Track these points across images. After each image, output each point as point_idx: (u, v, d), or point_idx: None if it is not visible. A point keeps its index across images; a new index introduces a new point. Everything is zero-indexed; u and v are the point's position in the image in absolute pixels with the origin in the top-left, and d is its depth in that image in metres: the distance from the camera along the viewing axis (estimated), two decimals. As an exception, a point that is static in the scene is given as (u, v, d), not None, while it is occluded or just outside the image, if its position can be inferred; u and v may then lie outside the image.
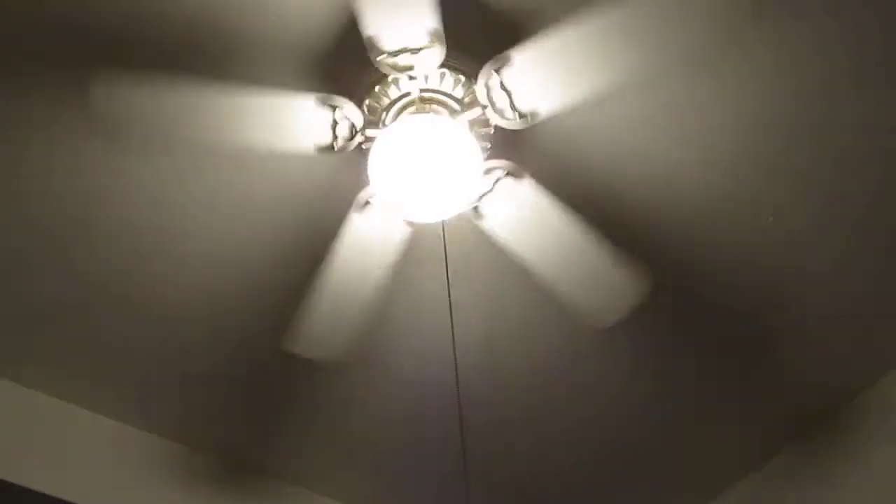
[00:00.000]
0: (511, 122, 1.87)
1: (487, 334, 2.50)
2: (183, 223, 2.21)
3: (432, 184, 1.77)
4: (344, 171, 2.11)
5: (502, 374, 2.63)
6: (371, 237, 1.99)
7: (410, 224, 1.99)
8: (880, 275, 2.41)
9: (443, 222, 2.03)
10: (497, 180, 1.95)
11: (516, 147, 2.07)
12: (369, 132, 1.90)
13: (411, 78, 1.83)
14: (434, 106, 1.89)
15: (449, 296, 2.15)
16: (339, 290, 2.06)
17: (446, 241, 2.07)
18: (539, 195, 1.95)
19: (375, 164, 1.80)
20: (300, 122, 1.82)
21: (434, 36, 1.71)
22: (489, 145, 1.99)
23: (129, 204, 2.16)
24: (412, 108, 1.89)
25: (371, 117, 1.91)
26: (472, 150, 1.80)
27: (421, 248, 2.24)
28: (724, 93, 2.02)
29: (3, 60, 1.89)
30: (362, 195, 1.96)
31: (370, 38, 1.71)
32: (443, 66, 1.82)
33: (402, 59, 1.75)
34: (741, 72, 1.99)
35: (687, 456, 2.94)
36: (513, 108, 1.83)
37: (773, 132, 2.10)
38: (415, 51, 1.74)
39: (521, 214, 1.98)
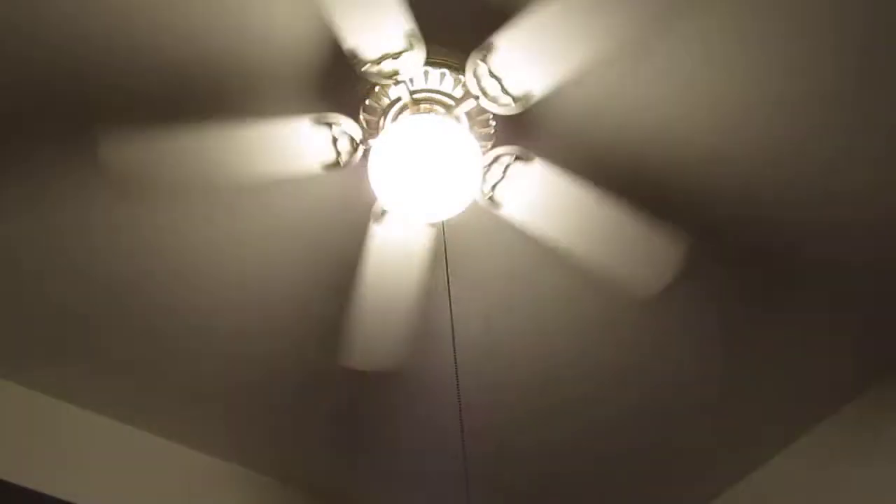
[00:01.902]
0: (507, 108, 1.85)
1: (488, 333, 2.49)
2: (211, 265, 2.29)
3: (431, 183, 1.78)
4: (355, 184, 2.14)
5: (502, 374, 2.62)
6: (396, 244, 2.01)
7: (328, 169, 1.94)
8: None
9: (443, 222, 2.02)
10: (507, 166, 1.94)
11: (521, 132, 2.06)
12: (370, 142, 1.92)
13: (398, 82, 1.84)
14: (428, 105, 1.90)
15: (449, 296, 2.14)
16: (377, 300, 2.08)
17: (446, 241, 2.06)
18: (553, 174, 1.94)
19: (374, 168, 1.82)
20: (301, 144, 1.86)
21: (411, 37, 1.72)
22: (493, 133, 1.98)
23: (153, 255, 2.25)
24: (406, 112, 1.90)
25: (369, 128, 1.93)
26: (469, 145, 1.80)
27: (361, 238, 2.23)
28: (723, 36, 1.96)
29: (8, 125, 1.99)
30: (378, 206, 1.98)
31: (351, 51, 1.74)
32: (427, 64, 1.83)
33: (386, 66, 1.77)
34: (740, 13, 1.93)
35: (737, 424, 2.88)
36: (505, 93, 1.82)
37: (777, 72, 2.02)
38: (395, 55, 1.75)
39: (538, 196, 1.96)
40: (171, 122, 1.98)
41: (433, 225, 1.97)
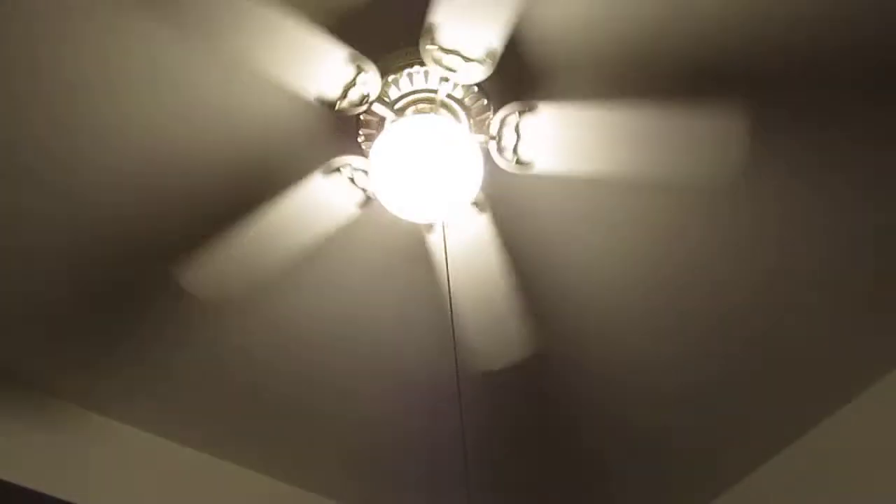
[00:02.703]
0: (506, 163, 1.92)
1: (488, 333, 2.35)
2: (153, 101, 2.01)
3: (431, 183, 1.79)
4: (330, 131, 2.07)
5: (503, 373, 2.51)
6: (322, 202, 1.96)
7: (363, 207, 1.98)
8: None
9: (443, 222, 2.00)
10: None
11: (513, 85, 2.00)
12: (376, 107, 1.88)
13: (445, 80, 1.85)
14: (445, 112, 1.92)
15: (449, 296, 2.09)
16: (261, 239, 1.99)
17: (446, 241, 2.04)
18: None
19: (374, 169, 1.82)
20: (321, 67, 1.76)
21: (490, 55, 1.75)
22: (488, 103, 1.95)
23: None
24: (425, 106, 1.91)
25: (384, 96, 1.91)
26: (475, 156, 1.81)
27: (421, 247, 2.25)
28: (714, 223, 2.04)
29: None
30: (336, 160, 1.93)
31: (431, 25, 1.71)
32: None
33: (450, 60, 1.77)
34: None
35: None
36: (515, 151, 1.88)
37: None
38: (466, 59, 1.77)
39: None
40: (214, 231, 2.15)
41: (432, 225, 1.98)
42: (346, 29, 1.86)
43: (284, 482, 2.99)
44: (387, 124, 1.93)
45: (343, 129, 2.00)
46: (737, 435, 2.88)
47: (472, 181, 1.82)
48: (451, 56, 1.78)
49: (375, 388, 2.67)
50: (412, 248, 2.32)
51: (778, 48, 1.97)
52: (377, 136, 1.95)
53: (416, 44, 1.78)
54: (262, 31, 1.68)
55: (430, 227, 2.03)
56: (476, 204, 1.98)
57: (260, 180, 2.12)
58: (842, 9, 1.91)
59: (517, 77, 1.99)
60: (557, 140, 1.89)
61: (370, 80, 1.81)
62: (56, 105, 1.97)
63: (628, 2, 1.90)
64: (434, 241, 2.05)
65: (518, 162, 1.89)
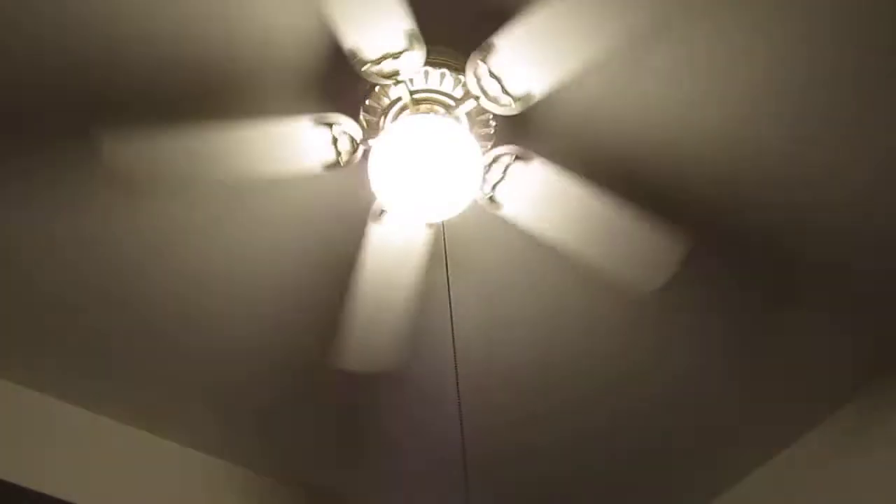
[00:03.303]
0: (507, 108, 1.85)
1: (487, 333, 2.49)
2: (208, 262, 2.29)
3: (432, 183, 1.78)
4: (355, 184, 2.14)
5: (503, 374, 2.62)
6: (393, 244, 2.01)
7: (328, 169, 1.95)
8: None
9: (442, 222, 2.02)
10: (507, 166, 1.94)
11: (521, 131, 2.06)
12: (370, 142, 1.92)
13: (398, 82, 1.84)
14: (428, 105, 1.90)
15: (449, 296, 2.15)
16: (374, 300, 2.09)
17: (446, 241, 2.07)
18: (553, 173, 1.94)
19: (374, 168, 1.82)
20: (302, 144, 1.86)
21: (411, 37, 1.72)
22: (492, 133, 1.98)
23: (150, 252, 2.25)
24: (407, 112, 1.90)
25: (369, 128, 1.93)
26: (469, 145, 1.80)
27: (361, 236, 2.21)
28: (722, 41, 1.96)
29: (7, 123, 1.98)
30: (377, 205, 1.98)
31: (351, 51, 1.74)
32: (427, 64, 1.83)
33: (386, 66, 1.77)
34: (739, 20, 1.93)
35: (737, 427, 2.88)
36: (505, 93, 1.82)
37: (777, 70, 2.02)
38: (396, 55, 1.75)
39: (539, 195, 1.96)
40: (171, 121, 1.98)
41: (433, 225, 1.97)
42: (301, 100, 1.95)
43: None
44: (393, 110, 1.91)
45: (352, 89, 1.94)
46: (734, 436, 2.94)
47: (471, 177, 1.81)
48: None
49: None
50: (352, 232, 2.25)
51: (741, 196, 2.22)
52: (380, 112, 1.91)
53: (468, 52, 1.78)
54: (243, 149, 1.76)
55: (378, 216, 1.99)
56: (519, 158, 1.93)
57: (247, 91, 1.99)
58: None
59: (529, 126, 2.06)
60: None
61: (346, 126, 1.85)
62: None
63: (646, 119, 2.06)
64: (508, 215, 2.02)
65: (517, 100, 1.83)
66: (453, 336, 2.33)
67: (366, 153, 1.94)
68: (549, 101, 1.99)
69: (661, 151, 2.14)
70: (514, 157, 1.93)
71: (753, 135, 2.12)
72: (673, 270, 2.09)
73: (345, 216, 2.21)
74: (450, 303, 2.15)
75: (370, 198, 2.04)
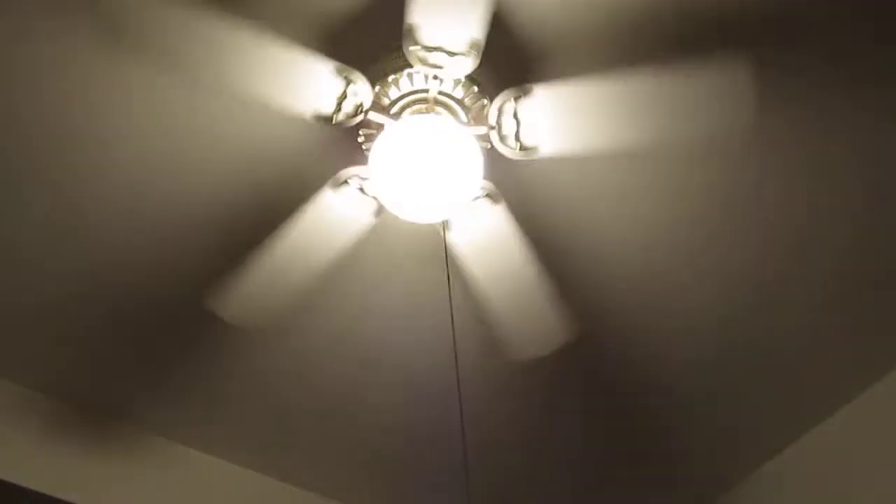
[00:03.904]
0: (510, 151, 1.89)
1: (487, 334, 2.41)
2: (158, 147, 2.07)
3: (431, 183, 1.76)
4: (331, 145, 2.05)
5: (503, 375, 2.61)
6: (336, 216, 1.95)
7: (378, 215, 1.97)
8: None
9: (442, 222, 1.99)
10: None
11: (501, 172, 2.08)
12: (372, 115, 1.85)
13: (435, 78, 1.81)
14: (442, 110, 1.88)
15: (449, 296, 2.13)
16: (284, 261, 1.99)
17: (446, 241, 2.04)
18: (507, 222, 1.97)
19: (374, 168, 1.77)
20: (310, 84, 1.75)
21: (474, 46, 1.71)
22: (479, 93, 1.91)
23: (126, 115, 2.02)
24: (421, 107, 1.87)
25: (378, 102, 1.87)
26: (475, 153, 1.80)
27: (421, 247, 2.23)
28: (713, 183, 2.17)
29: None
30: (342, 173, 1.91)
31: (411, 26, 1.68)
32: (468, 76, 1.82)
33: (435, 57, 1.73)
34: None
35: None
36: (517, 138, 1.85)
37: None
38: (451, 53, 1.72)
39: (485, 236, 1.99)
40: (238, 259, 2.06)
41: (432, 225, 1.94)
42: (331, 43, 1.88)
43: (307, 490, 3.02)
44: (409, 99, 1.87)
45: (346, 141, 1.97)
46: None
47: (472, 179, 1.79)
48: (435, 53, 1.74)
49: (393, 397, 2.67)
50: (431, 249, 2.20)
51: None
52: (397, 96, 1.87)
53: (506, 84, 1.80)
54: (247, 58, 1.71)
55: (446, 225, 1.94)
56: (489, 196, 1.93)
57: (273, 204, 2.10)
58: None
59: (507, 64, 1.93)
60: (557, 120, 1.83)
61: (361, 90, 1.81)
62: (65, 152, 2.05)
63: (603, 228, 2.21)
64: (452, 239, 1.98)
65: (522, 148, 1.83)
66: (454, 336, 2.27)
67: (361, 124, 1.88)
68: (500, 31, 1.87)
69: (599, 251, 2.29)
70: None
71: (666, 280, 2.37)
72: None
73: (305, 170, 2.09)
74: (450, 303, 2.11)
75: (339, 165, 1.95)
